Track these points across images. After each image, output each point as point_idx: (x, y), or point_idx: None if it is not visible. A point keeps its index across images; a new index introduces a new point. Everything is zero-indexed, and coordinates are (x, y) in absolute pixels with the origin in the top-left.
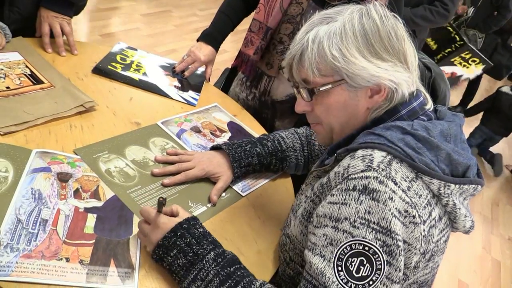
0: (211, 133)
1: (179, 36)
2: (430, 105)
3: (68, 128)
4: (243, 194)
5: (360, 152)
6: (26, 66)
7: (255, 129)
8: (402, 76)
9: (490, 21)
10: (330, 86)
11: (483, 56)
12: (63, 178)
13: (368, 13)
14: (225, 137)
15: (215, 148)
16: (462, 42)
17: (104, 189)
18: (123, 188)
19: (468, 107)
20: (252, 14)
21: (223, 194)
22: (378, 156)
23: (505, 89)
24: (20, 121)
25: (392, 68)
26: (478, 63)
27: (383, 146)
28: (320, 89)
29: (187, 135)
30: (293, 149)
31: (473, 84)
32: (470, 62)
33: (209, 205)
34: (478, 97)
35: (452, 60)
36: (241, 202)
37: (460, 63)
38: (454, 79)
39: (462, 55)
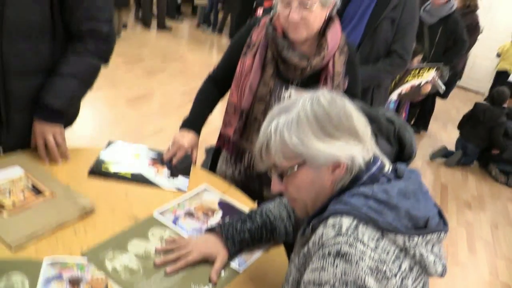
0: (204, 215)
1: (165, 114)
2: (388, 167)
3: (73, 233)
4: (241, 270)
5: (330, 221)
6: (28, 179)
7: (245, 203)
8: (356, 150)
9: (450, 54)
10: (295, 168)
11: (429, 64)
12: (75, 283)
13: (318, 100)
14: (217, 217)
15: (209, 230)
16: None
17: (113, 287)
18: (130, 284)
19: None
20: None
21: (222, 272)
22: (346, 222)
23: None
24: (28, 234)
25: (346, 145)
26: (429, 70)
27: (349, 212)
28: (288, 172)
29: (182, 221)
30: (281, 219)
31: (425, 105)
32: (421, 73)
33: (210, 285)
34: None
35: (405, 81)
36: (240, 278)
37: (413, 77)
38: (416, 89)
39: (412, 73)
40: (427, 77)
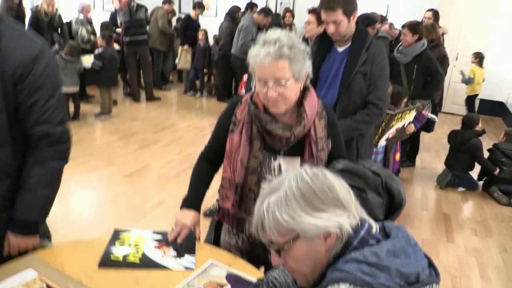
0: None
1: (164, 185)
2: (375, 227)
3: None
4: None
5: None
6: (42, 281)
7: (252, 273)
8: (342, 218)
9: (429, 89)
10: (291, 243)
11: (408, 107)
12: None
13: (302, 177)
14: None
15: None
16: (388, 116)
17: None
18: None
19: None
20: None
21: None
22: None
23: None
24: None
25: (332, 215)
26: (410, 112)
27: (345, 279)
28: (284, 247)
29: None
30: (287, 285)
31: (414, 139)
32: (403, 116)
33: None
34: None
35: (391, 126)
36: None
37: (397, 121)
38: (401, 131)
39: (396, 118)
40: (410, 118)
